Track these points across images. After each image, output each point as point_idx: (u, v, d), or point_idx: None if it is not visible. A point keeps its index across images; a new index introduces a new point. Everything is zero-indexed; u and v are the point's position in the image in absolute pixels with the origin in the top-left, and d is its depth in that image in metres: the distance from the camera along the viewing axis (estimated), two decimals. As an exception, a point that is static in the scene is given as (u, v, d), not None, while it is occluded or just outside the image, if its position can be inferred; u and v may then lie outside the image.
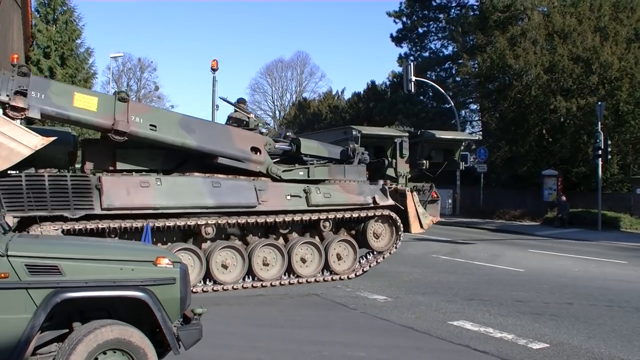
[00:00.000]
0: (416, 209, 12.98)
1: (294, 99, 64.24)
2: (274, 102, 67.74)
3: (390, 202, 12.61)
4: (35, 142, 9.05)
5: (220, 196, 10.79)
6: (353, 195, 12.18)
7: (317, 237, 12.25)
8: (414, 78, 29.53)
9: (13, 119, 9.30)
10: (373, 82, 46.41)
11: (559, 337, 7.90)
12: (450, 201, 33.42)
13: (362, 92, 46.95)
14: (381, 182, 12.99)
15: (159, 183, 10.34)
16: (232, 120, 12.94)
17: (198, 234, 10.98)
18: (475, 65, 34.26)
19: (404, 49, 42.97)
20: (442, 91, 33.60)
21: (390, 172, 13.99)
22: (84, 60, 35.19)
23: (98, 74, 49.82)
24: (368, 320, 8.94)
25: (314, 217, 11.85)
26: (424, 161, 14.99)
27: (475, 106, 41.38)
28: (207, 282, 11.04)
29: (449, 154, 15.95)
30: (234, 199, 10.95)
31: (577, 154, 29.56)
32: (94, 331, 4.58)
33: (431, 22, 41.86)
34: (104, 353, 4.62)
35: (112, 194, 9.88)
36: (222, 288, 11.04)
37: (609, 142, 24.88)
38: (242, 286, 11.25)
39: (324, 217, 11.97)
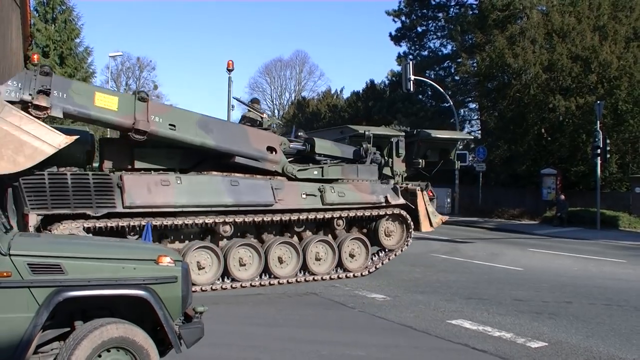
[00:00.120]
0: (426, 208, 13.23)
1: (293, 98, 64.28)
2: (272, 101, 67.82)
3: (402, 201, 12.84)
4: (59, 140, 9.13)
5: (238, 195, 10.97)
6: (366, 194, 12.41)
7: (330, 235, 12.44)
8: (412, 77, 29.55)
9: (36, 117, 9.36)
10: (372, 81, 46.42)
11: (557, 335, 7.93)
12: (449, 200, 33.37)
13: (361, 91, 46.91)
14: (392, 181, 13.28)
15: (179, 182, 10.49)
16: (246, 120, 13.14)
17: (215, 232, 11.16)
18: (474, 64, 34.28)
19: (403, 48, 43.07)
20: (441, 90, 33.61)
21: (386, 171, 14.10)
22: (83, 59, 35.23)
23: (97, 73, 49.99)
24: (367, 319, 8.97)
25: (328, 215, 12.05)
26: (420, 160, 15.32)
27: (474, 105, 41.40)
28: (225, 280, 11.21)
29: (445, 153, 16.23)
30: (252, 198, 11.13)
31: (576, 153, 29.57)
32: (99, 328, 4.62)
33: (430, 21, 41.86)
34: (108, 351, 4.65)
35: (133, 192, 10.02)
36: (241, 285, 11.23)
37: (608, 141, 24.87)
38: (260, 283, 11.47)
39: (338, 215, 12.18)
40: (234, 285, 11.16)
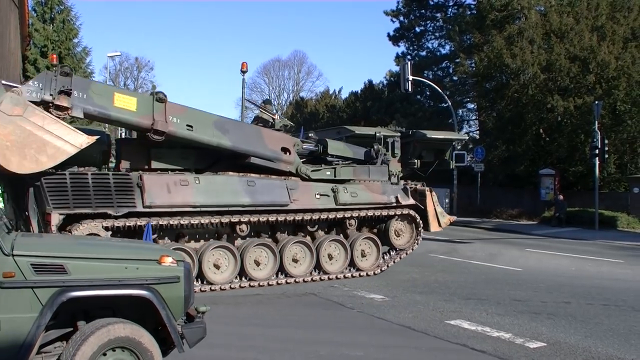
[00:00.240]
0: (435, 209, 13.50)
1: (291, 99, 64.21)
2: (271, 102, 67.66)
3: (412, 201, 13.10)
4: (81, 140, 9.26)
5: (255, 195, 11.14)
6: (377, 194, 12.64)
7: (341, 235, 12.62)
8: (411, 77, 29.61)
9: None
10: (370, 82, 46.40)
11: (556, 336, 7.97)
12: (447, 200, 33.26)
13: (359, 92, 46.88)
14: (402, 182, 13.50)
15: (197, 182, 10.64)
16: (258, 121, 13.30)
17: (231, 232, 11.33)
18: (473, 65, 34.29)
19: (401, 48, 43.09)
20: (440, 90, 33.60)
21: None
22: (81, 59, 35.15)
23: (95, 73, 49.63)
24: (365, 319, 8.99)
25: (341, 215, 12.26)
26: (416, 160, 15.55)
27: (473, 105, 41.41)
28: (242, 279, 11.38)
29: (440, 154, 16.48)
30: (268, 198, 11.31)
31: (574, 153, 29.60)
32: (107, 326, 4.65)
33: (428, 21, 41.88)
34: (113, 350, 4.68)
35: (153, 192, 10.16)
36: (258, 284, 11.40)
37: (606, 141, 24.92)
38: (277, 282, 11.65)
39: (350, 215, 12.38)
40: (252, 284, 11.35)
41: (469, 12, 37.92)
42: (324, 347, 7.29)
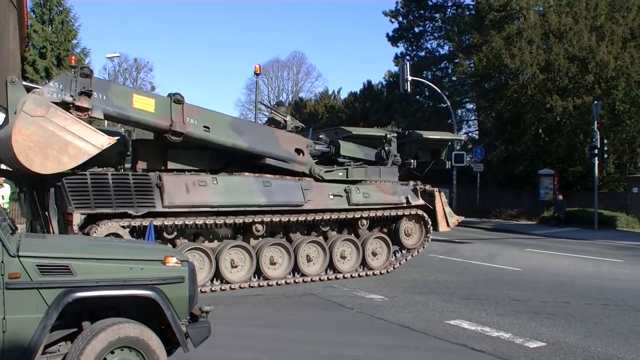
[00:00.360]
0: (444, 209, 13.73)
1: (290, 99, 64.19)
2: (270, 102, 67.67)
3: (421, 201, 13.32)
4: (102, 141, 9.35)
5: (270, 195, 11.29)
6: (388, 195, 12.82)
7: (352, 235, 12.79)
8: (410, 78, 29.63)
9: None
10: (369, 82, 46.47)
11: (555, 335, 7.99)
12: (447, 201, 33.33)
13: (358, 92, 46.93)
14: (412, 182, 13.63)
15: (215, 182, 10.77)
16: (270, 122, 13.46)
17: (247, 232, 11.48)
18: (472, 65, 34.29)
19: (400, 48, 43.15)
20: (439, 91, 33.62)
21: None
22: (80, 60, 35.12)
23: (94, 74, 49.73)
24: (365, 319, 9.02)
25: (353, 215, 12.40)
26: (412, 160, 15.75)
27: (472, 105, 41.44)
28: (257, 279, 11.53)
29: (436, 154, 16.58)
30: (283, 198, 11.46)
31: (574, 153, 29.63)
32: (117, 324, 4.70)
33: (427, 22, 41.92)
34: (121, 349, 4.72)
35: (172, 192, 10.27)
36: (276, 283, 11.60)
37: (605, 141, 24.93)
38: (294, 281, 11.84)
39: (361, 215, 12.53)
40: (270, 283, 11.51)
41: (468, 13, 37.96)
42: (324, 347, 7.32)
